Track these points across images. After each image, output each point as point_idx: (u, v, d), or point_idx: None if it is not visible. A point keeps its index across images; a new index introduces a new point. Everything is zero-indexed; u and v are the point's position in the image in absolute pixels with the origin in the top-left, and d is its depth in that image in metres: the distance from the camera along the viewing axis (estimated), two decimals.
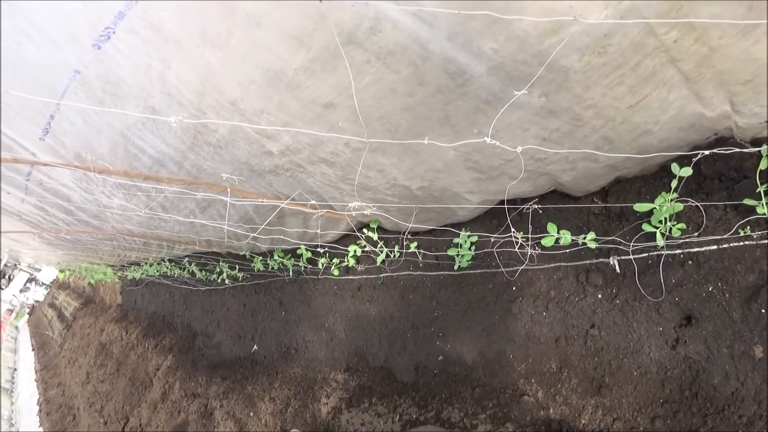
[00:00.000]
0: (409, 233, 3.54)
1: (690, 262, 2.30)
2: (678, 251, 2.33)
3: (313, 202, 2.74)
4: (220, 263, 6.15)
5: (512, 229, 2.56)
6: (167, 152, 2.84)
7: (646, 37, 1.63)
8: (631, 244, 2.30)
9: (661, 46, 1.67)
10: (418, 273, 3.64)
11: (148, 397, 6.67)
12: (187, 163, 2.99)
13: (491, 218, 3.20)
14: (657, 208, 2.29)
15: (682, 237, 2.29)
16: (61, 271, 17.18)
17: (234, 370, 5.52)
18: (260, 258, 5.45)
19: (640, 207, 2.34)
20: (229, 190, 2.51)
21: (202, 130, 2.38)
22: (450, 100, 1.79)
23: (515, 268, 2.99)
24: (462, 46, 1.58)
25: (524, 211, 2.88)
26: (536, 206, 2.34)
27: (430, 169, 2.27)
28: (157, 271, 8.04)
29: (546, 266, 2.84)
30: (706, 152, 1.75)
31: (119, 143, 2.74)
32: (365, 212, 2.26)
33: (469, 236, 3.20)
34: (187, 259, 7.03)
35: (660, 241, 2.33)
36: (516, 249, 2.64)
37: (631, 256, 2.30)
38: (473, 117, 1.88)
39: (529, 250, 2.60)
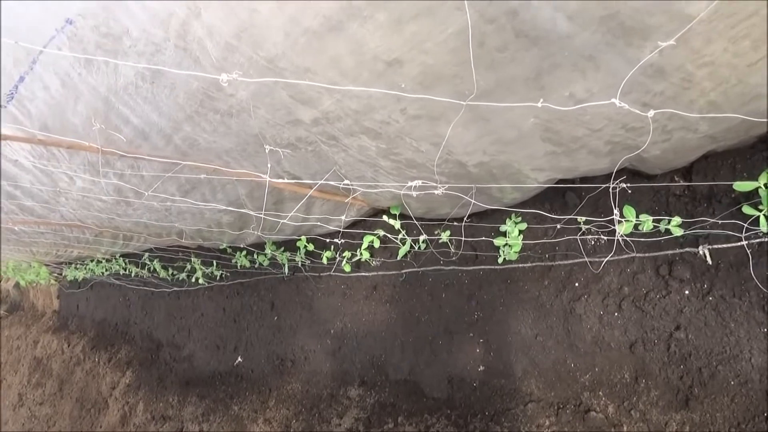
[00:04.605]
0: (444, 221, 3.50)
1: None
2: None
3: (346, 182, 2.67)
4: (192, 259, 6.02)
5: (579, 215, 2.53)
6: (157, 122, 2.74)
7: None
8: (745, 226, 2.30)
9: None
10: (451, 268, 3.62)
11: (103, 422, 6.55)
12: (178, 136, 2.90)
13: (542, 202, 3.18)
14: (762, 187, 2.29)
15: None
16: None
17: (214, 387, 5.45)
18: (244, 252, 5.35)
19: (742, 186, 2.34)
20: (269, 165, 2.42)
21: (213, 94, 2.29)
22: (547, 55, 1.74)
23: (578, 261, 2.98)
24: None
25: (586, 193, 2.89)
26: (624, 185, 2.32)
27: (498, 140, 2.23)
28: (107, 269, 7.86)
29: (617, 258, 2.83)
30: None
31: (99, 111, 2.63)
32: (437, 192, 2.20)
33: (517, 223, 3.18)
34: (147, 255, 6.89)
35: (765, 227, 2.34)
36: (589, 236, 2.63)
37: (743, 242, 2.30)
38: (568, 75, 1.84)
39: (614, 238, 2.59)
